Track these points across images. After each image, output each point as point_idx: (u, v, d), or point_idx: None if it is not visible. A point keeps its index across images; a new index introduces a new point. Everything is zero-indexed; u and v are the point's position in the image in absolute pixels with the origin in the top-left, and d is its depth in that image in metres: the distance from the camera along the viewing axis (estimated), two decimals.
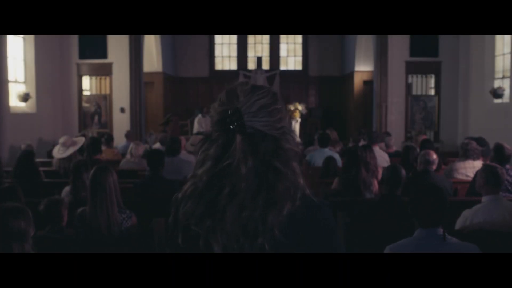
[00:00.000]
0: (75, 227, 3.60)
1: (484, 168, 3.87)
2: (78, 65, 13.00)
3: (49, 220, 3.59)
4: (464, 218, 3.72)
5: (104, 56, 12.88)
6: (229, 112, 1.30)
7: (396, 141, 11.55)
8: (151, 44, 15.48)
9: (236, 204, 1.27)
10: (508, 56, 10.82)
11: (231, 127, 1.29)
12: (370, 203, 3.77)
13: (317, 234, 1.33)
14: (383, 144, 9.25)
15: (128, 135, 10.38)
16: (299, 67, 19.04)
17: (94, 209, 3.44)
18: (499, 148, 5.18)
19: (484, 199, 3.80)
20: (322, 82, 18.71)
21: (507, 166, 5.16)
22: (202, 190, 1.32)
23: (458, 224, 3.75)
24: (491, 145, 9.00)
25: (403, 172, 3.86)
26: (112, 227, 3.43)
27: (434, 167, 5.03)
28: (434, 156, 5.02)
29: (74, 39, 12.83)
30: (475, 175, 5.18)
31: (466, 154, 6.23)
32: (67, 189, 4.95)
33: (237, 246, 1.28)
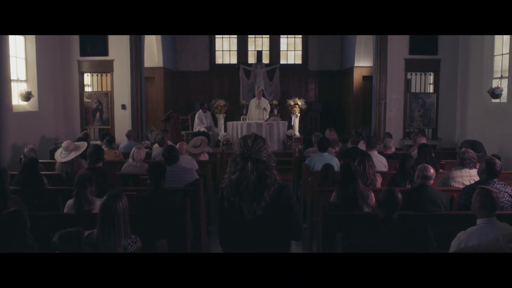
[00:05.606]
0: (82, 249, 3.71)
1: (480, 191, 3.90)
2: (79, 62, 13.06)
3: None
4: (459, 241, 3.80)
5: (105, 53, 12.95)
6: (245, 151, 2.85)
7: (395, 138, 11.64)
8: (152, 39, 15.46)
9: (249, 190, 2.80)
10: (507, 56, 10.81)
11: (246, 158, 2.83)
12: (367, 227, 3.84)
13: (283, 200, 2.87)
14: (382, 145, 9.29)
15: (129, 135, 10.47)
16: (299, 61, 19.03)
17: (102, 235, 3.56)
18: (490, 164, 5.19)
19: (479, 221, 3.86)
20: (322, 76, 18.73)
21: (495, 179, 5.24)
22: (234, 184, 2.84)
23: (453, 247, 3.83)
24: (489, 146, 9.14)
25: (400, 196, 3.91)
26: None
27: (432, 181, 5.11)
28: (432, 171, 5.10)
29: (75, 37, 12.88)
30: (463, 192, 5.29)
31: (463, 163, 6.31)
32: (70, 202, 5.04)
33: (251, 207, 2.80)
